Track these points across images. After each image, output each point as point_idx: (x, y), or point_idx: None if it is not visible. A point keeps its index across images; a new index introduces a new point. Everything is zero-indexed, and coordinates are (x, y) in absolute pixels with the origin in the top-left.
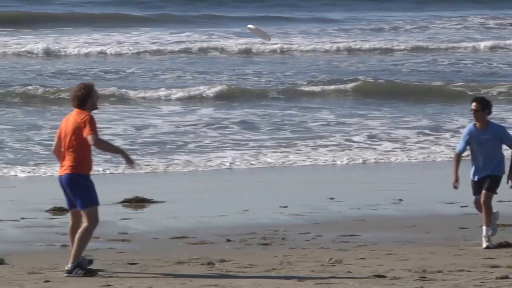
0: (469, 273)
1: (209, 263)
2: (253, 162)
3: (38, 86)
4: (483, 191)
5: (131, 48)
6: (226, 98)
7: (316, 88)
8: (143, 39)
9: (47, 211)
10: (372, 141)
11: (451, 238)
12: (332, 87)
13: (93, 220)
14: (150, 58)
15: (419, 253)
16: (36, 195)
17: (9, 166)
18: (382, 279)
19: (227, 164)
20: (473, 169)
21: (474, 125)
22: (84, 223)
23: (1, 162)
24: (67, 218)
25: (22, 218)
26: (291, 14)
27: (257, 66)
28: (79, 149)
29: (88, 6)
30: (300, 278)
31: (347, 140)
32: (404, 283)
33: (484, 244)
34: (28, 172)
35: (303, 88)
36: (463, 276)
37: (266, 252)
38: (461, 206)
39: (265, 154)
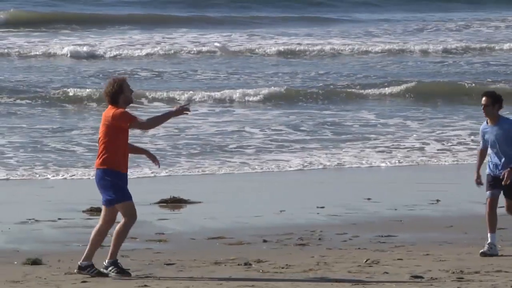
0: (507, 273)
1: (246, 264)
2: (298, 164)
3: (75, 89)
4: (507, 199)
5: (167, 48)
6: (267, 99)
7: (359, 90)
8: (184, 39)
9: (84, 211)
10: (418, 142)
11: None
12: (378, 89)
13: (112, 219)
14: (187, 58)
15: (457, 253)
16: (73, 196)
17: (48, 167)
18: (420, 279)
19: (271, 166)
20: (489, 163)
21: (487, 121)
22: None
23: (44, 163)
24: None
25: (59, 219)
26: (329, 14)
27: (296, 67)
28: (108, 145)
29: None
30: (337, 279)
31: (393, 142)
32: (442, 283)
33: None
34: (65, 175)
35: (344, 89)
36: (501, 276)
37: (303, 253)
38: (499, 207)
39: (318, 156)
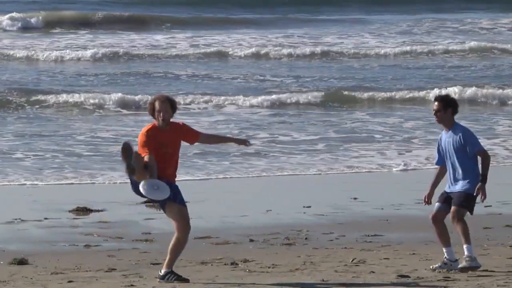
0: (493, 273)
1: (232, 263)
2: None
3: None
4: (452, 206)
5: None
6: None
7: (367, 94)
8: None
9: (70, 211)
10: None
11: (475, 238)
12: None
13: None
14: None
15: (443, 253)
16: (59, 196)
17: (36, 172)
18: (406, 279)
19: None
20: (447, 180)
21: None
22: None
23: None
24: (90, 218)
25: (45, 218)
26: (345, 15)
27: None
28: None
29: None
30: (324, 278)
31: (398, 145)
32: (428, 283)
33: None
34: (54, 179)
35: (346, 92)
36: (487, 276)
37: (290, 252)
38: (485, 206)
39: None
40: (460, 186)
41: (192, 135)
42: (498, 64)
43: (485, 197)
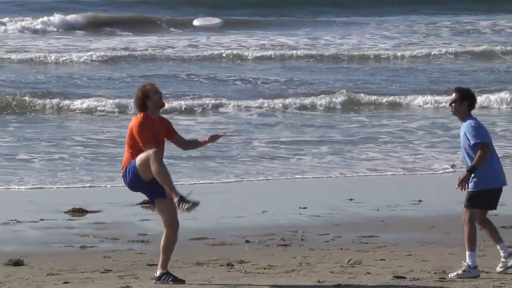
0: (489, 274)
1: (228, 264)
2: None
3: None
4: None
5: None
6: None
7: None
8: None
9: (66, 212)
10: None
11: None
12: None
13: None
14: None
15: (439, 254)
16: (55, 197)
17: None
18: (402, 280)
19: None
20: None
21: None
22: None
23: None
24: (86, 219)
25: (41, 220)
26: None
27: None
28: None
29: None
30: (319, 279)
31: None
32: (424, 284)
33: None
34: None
35: (345, 93)
36: (483, 277)
37: (285, 253)
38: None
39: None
40: (472, 183)
41: (172, 132)
42: (498, 65)
43: (461, 188)
